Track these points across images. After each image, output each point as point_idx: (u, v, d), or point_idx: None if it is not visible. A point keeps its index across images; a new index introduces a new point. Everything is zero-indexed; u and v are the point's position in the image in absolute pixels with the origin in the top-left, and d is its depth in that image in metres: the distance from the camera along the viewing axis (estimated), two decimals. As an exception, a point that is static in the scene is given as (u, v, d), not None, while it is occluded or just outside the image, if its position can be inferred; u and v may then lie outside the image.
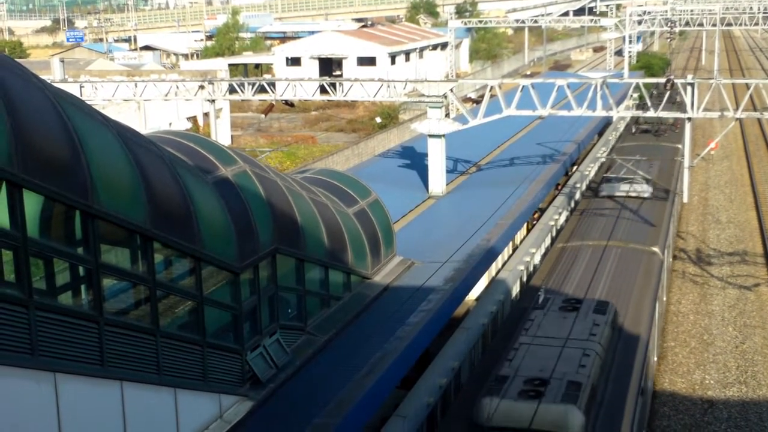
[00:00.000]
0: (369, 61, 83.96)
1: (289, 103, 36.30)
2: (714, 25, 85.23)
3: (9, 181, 8.12)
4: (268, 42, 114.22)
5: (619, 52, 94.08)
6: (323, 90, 34.45)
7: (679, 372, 23.02)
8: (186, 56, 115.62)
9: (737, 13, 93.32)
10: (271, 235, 13.64)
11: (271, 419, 12.49)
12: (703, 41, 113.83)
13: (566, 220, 29.54)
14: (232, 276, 12.57)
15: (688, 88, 29.16)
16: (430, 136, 30.43)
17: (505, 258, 25.87)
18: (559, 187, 34.35)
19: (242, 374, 12.75)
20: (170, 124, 53.64)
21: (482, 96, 38.00)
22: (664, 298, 24.86)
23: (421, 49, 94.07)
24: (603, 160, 38.01)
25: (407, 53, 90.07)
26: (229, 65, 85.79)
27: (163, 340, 10.65)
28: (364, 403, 13.36)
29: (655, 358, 21.90)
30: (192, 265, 11.68)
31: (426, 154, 31.14)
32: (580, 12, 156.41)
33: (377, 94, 33.32)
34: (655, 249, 24.00)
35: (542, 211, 31.51)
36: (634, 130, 44.43)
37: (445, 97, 30.44)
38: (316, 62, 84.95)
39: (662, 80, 31.40)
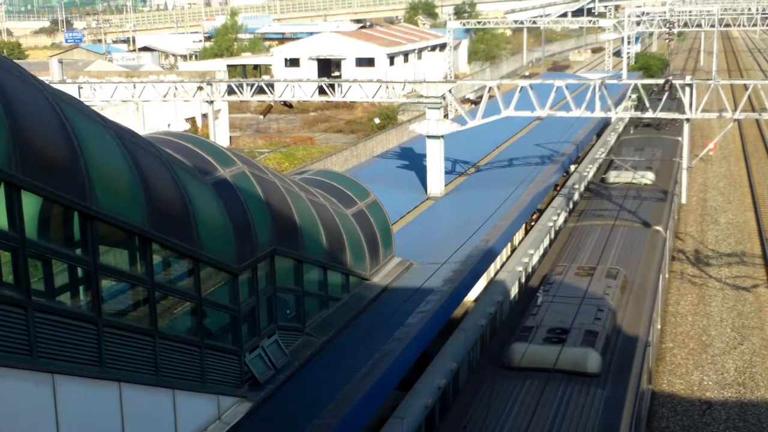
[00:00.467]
0: (367, 62, 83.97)
1: (287, 104, 36.27)
2: (712, 26, 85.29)
3: (7, 183, 8.12)
4: (267, 43, 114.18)
5: (617, 53, 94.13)
6: (322, 91, 34.46)
7: (678, 373, 23.03)
8: (184, 57, 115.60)
9: (735, 14, 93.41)
10: (269, 236, 13.64)
11: (270, 420, 12.49)
12: (701, 42, 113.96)
13: (576, 203, 31.74)
14: (231, 277, 12.57)
15: (687, 89, 29.19)
16: (429, 137, 30.43)
17: (504, 259, 25.87)
18: (558, 188, 34.37)
19: (241, 375, 12.75)
20: (169, 125, 53.64)
21: (481, 97, 38.03)
22: (667, 275, 26.46)
23: (420, 50, 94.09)
24: (601, 160, 38.09)
25: (406, 54, 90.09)
26: (228, 66, 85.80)
27: (161, 342, 10.65)
28: (362, 405, 13.36)
29: (659, 326, 23.71)
30: (190, 266, 11.67)
31: (425, 155, 31.15)
32: (578, 13, 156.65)
33: (376, 95, 33.33)
34: (659, 228, 25.85)
35: (541, 212, 31.52)
36: (636, 124, 45.54)
37: (444, 98, 30.44)
38: (315, 63, 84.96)
39: (661, 81, 31.42)
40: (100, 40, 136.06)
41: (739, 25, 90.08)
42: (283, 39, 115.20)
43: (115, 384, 9.69)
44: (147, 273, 10.53)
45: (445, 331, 18.61)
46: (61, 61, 50.76)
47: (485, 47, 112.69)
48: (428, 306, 17.54)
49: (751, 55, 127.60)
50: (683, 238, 35.32)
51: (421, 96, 31.11)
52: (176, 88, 37.16)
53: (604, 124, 47.90)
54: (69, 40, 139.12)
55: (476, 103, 58.78)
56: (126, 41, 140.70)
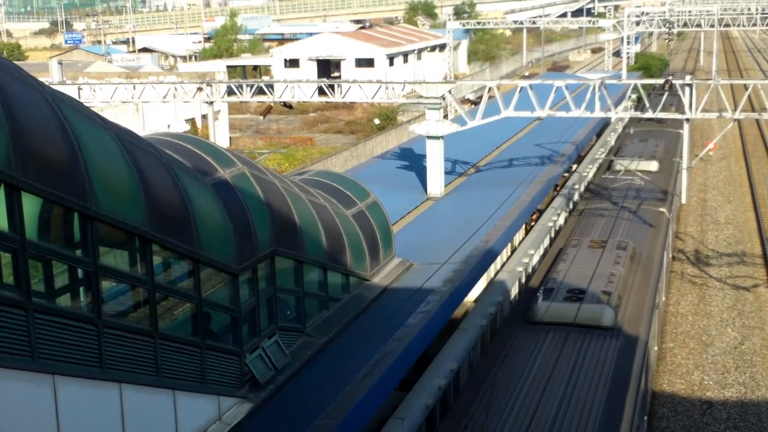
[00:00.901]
0: (367, 63, 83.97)
1: (287, 105, 36.27)
2: (712, 26, 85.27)
3: (7, 184, 8.12)
4: (267, 44, 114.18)
5: (617, 53, 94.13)
6: (321, 92, 34.48)
7: (678, 373, 23.03)
8: (184, 58, 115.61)
9: (735, 14, 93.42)
10: (269, 237, 13.65)
11: (270, 421, 12.49)
12: (701, 42, 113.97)
13: (586, 188, 34.11)
14: (231, 278, 12.57)
15: (687, 89, 29.19)
16: (429, 137, 30.44)
17: (504, 259, 25.87)
18: (558, 189, 34.39)
19: (241, 376, 12.75)
20: (168, 126, 53.63)
21: (481, 97, 38.04)
22: (671, 255, 28.38)
23: (420, 51, 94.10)
24: (601, 160, 38.12)
25: (405, 55, 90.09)
26: (228, 67, 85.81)
27: (161, 342, 10.65)
28: (363, 405, 13.36)
29: (664, 298, 25.87)
30: (191, 267, 11.68)
31: (424, 156, 31.15)
32: (578, 13, 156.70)
33: (375, 96, 33.34)
34: (663, 209, 28.31)
35: (541, 212, 31.53)
36: (640, 118, 46.32)
37: (444, 98, 30.45)
38: (315, 64, 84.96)
39: (661, 81, 31.44)
40: (99, 41, 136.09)
41: (738, 25, 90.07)
42: (282, 40, 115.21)
43: (115, 385, 9.69)
44: (147, 274, 10.53)
45: (446, 331, 18.61)
46: (60, 63, 50.78)
47: (485, 47, 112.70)
48: (428, 306, 17.54)
49: (751, 55, 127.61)
50: (683, 238, 35.32)
51: (421, 96, 31.11)
52: (176, 89, 37.18)
53: (604, 125, 47.90)
54: (69, 41, 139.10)
55: (476, 103, 58.77)
56: (125, 42, 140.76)
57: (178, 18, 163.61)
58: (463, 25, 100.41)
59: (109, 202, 9.58)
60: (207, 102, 35.56)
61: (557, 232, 28.57)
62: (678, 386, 22.28)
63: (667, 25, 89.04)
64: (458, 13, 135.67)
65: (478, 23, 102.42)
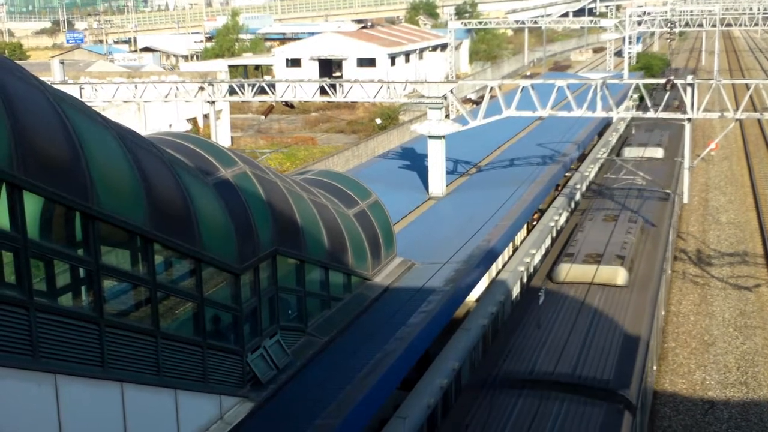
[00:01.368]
0: (369, 63, 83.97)
1: (289, 105, 36.29)
2: (714, 25, 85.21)
3: (9, 183, 8.12)
4: (268, 43, 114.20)
5: (618, 53, 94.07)
6: (323, 91, 34.48)
7: (680, 373, 23.02)
8: (186, 58, 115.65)
9: (737, 13, 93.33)
10: (271, 237, 13.65)
11: (272, 420, 12.49)
12: (702, 42, 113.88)
13: (597, 173, 36.87)
14: (233, 277, 12.57)
15: (688, 89, 29.17)
16: (430, 137, 30.43)
17: (506, 259, 25.86)
18: (560, 188, 34.39)
19: (243, 375, 12.75)
20: (170, 125, 53.65)
21: (482, 97, 38.03)
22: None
23: (421, 50, 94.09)
24: (603, 160, 38.13)
25: (407, 54, 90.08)
26: (229, 66, 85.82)
27: (163, 342, 10.66)
28: (364, 404, 13.36)
29: (670, 272, 28.36)
30: (192, 267, 11.68)
31: (426, 155, 31.14)
32: (579, 13, 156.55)
33: (377, 96, 33.34)
34: (668, 191, 30.56)
35: (542, 212, 31.52)
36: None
37: (445, 98, 30.43)
38: (316, 63, 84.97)
39: (662, 81, 31.40)
40: (101, 41, 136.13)
41: (740, 25, 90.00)
42: (284, 39, 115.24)
43: (117, 384, 9.69)
44: (149, 273, 10.53)
45: (447, 330, 18.60)
46: (62, 62, 50.83)
47: (486, 47, 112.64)
48: (430, 306, 17.53)
49: (753, 55, 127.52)
50: (685, 238, 35.30)
51: (423, 96, 31.09)
52: (177, 89, 37.19)
53: (606, 124, 47.87)
54: (70, 41, 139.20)
55: (477, 103, 58.78)
56: (127, 42, 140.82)
57: (180, 17, 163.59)
58: (465, 24, 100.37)
59: (110, 201, 9.59)
60: (208, 101, 35.57)
61: (573, 210, 30.61)
62: (680, 386, 22.27)
63: (669, 24, 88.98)
64: (460, 12, 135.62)
65: (480, 23, 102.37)
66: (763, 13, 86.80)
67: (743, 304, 27.74)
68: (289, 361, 13.88)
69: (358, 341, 15.65)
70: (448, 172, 31.39)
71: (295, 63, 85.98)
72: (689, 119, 29.86)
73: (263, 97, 35.30)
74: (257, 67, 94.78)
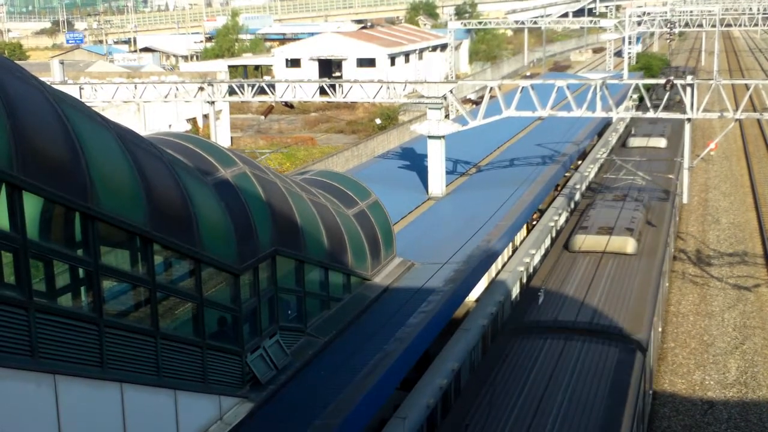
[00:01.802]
0: (368, 63, 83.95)
1: (288, 105, 36.29)
2: (713, 26, 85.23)
3: (9, 183, 8.13)
4: (268, 43, 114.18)
5: (618, 53, 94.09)
6: (323, 91, 34.48)
7: (679, 373, 23.02)
8: (185, 58, 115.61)
9: (737, 14, 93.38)
10: (270, 237, 13.65)
11: (271, 421, 12.49)
12: (702, 42, 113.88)
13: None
14: (232, 277, 12.57)
15: (688, 89, 29.17)
16: (430, 137, 30.43)
17: (505, 259, 25.87)
18: (559, 188, 34.40)
19: (242, 376, 12.75)
20: (170, 125, 53.65)
21: (482, 97, 38.05)
22: (678, 218, 32.58)
23: (421, 51, 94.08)
24: (602, 160, 38.16)
25: (407, 54, 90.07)
26: (229, 67, 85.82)
27: (163, 342, 10.66)
28: (364, 405, 13.36)
29: (673, 249, 30.65)
30: (192, 267, 11.68)
31: (426, 156, 31.14)
32: (579, 13, 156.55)
33: (377, 96, 33.34)
34: (671, 176, 33.00)
35: (542, 212, 31.53)
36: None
37: (445, 98, 30.44)
38: (316, 64, 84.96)
39: (662, 81, 31.39)
40: (101, 41, 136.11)
41: (740, 25, 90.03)
42: (284, 39, 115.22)
43: (116, 385, 9.69)
44: (148, 273, 10.53)
45: (447, 331, 18.60)
46: (62, 62, 50.82)
47: (486, 47, 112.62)
48: (430, 306, 17.53)
49: (752, 55, 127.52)
50: (685, 238, 35.31)
51: (422, 96, 31.10)
52: (177, 89, 37.20)
53: (606, 124, 47.88)
54: (70, 41, 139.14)
55: (477, 103, 58.77)
56: (127, 42, 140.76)
57: (180, 18, 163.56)
58: (465, 25, 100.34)
59: (110, 201, 9.59)
60: (208, 102, 35.57)
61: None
62: (679, 386, 22.27)
63: (669, 25, 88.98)
64: (459, 13, 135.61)
65: (480, 23, 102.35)
66: (763, 14, 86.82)
67: (743, 304, 27.74)
68: (288, 362, 13.88)
69: (357, 341, 15.65)
70: (447, 173, 31.40)
71: (294, 63, 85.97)
72: (689, 119, 29.86)
73: (263, 98, 35.31)
74: (257, 67, 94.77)
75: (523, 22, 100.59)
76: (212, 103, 35.91)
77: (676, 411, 20.93)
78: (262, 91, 34.10)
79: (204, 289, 11.82)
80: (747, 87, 30.08)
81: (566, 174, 36.64)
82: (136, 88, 36.31)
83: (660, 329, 22.81)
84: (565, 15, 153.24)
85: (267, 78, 74.42)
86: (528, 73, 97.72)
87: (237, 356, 12.65)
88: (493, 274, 24.43)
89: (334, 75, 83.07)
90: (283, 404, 12.97)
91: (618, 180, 32.73)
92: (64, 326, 8.94)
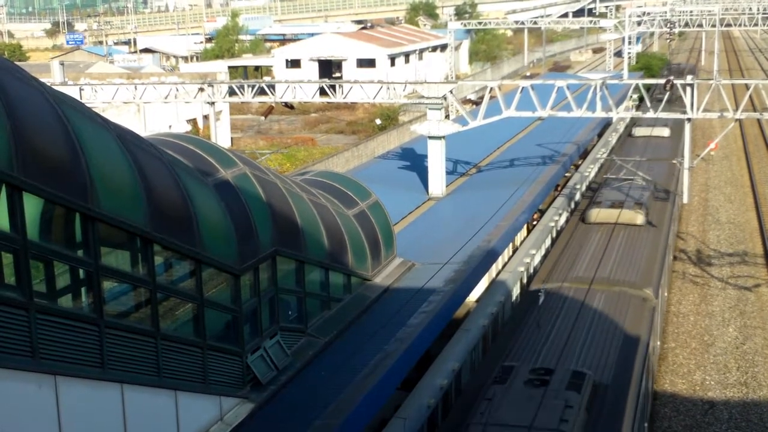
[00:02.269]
0: (368, 63, 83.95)
1: (288, 105, 36.30)
2: (713, 25, 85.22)
3: (9, 184, 8.12)
4: (268, 44, 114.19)
5: (618, 53, 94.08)
6: (323, 92, 34.50)
7: (680, 373, 23.01)
8: (186, 59, 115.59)
9: (736, 13, 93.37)
10: (271, 237, 13.65)
11: (272, 421, 12.49)
12: (702, 42, 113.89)
13: (612, 148, 43.52)
14: (233, 278, 12.57)
15: (688, 89, 29.17)
16: (430, 137, 30.43)
17: (506, 259, 25.87)
18: (559, 189, 34.39)
19: (243, 376, 12.75)
20: (170, 126, 53.64)
21: (482, 97, 38.04)
22: (683, 201, 33.86)
23: (421, 51, 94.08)
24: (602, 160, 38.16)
25: (407, 55, 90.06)
26: (229, 67, 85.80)
27: (163, 343, 10.66)
28: (364, 405, 13.36)
29: (676, 229, 33.20)
30: (192, 268, 11.68)
31: (426, 156, 31.15)
32: (579, 13, 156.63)
33: (377, 96, 33.35)
34: (674, 162, 34.30)
35: (542, 212, 31.52)
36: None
37: (445, 98, 30.44)
38: (316, 64, 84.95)
39: (662, 81, 31.38)
40: (101, 42, 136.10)
41: (740, 25, 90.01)
42: (284, 40, 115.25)
43: (117, 385, 9.70)
44: (149, 274, 10.53)
45: (447, 331, 18.60)
46: (62, 63, 50.84)
47: (486, 48, 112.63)
48: (430, 306, 17.53)
49: (752, 55, 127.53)
50: (685, 238, 35.31)
51: (422, 97, 31.10)
52: (177, 90, 37.21)
53: (606, 124, 47.88)
54: (70, 42, 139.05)
55: (477, 103, 58.78)
56: (127, 43, 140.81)
57: (180, 18, 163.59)
58: (465, 25, 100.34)
59: (110, 202, 9.59)
60: (208, 102, 35.57)
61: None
62: (680, 386, 22.27)
63: (669, 25, 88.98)
64: (459, 13, 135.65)
65: (480, 23, 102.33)
66: (763, 13, 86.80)
67: (743, 304, 27.73)
68: (289, 362, 13.89)
69: (358, 342, 15.65)
70: (447, 173, 31.40)
71: (294, 64, 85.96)
72: (689, 119, 29.87)
73: (263, 98, 35.32)
74: (257, 68, 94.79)
75: (522, 23, 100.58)
76: (212, 103, 35.91)
77: (676, 411, 20.93)
78: (262, 91, 34.11)
79: (204, 289, 11.82)
80: (747, 87, 30.08)
81: (566, 174, 36.64)
82: (136, 89, 36.32)
83: (666, 293, 25.63)
84: (565, 15, 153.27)
85: (267, 79, 74.46)
86: (528, 74, 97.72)
87: (237, 357, 12.66)
88: (494, 275, 24.42)
89: (334, 75, 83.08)
90: (283, 404, 12.97)
91: (618, 179, 32.84)
92: (65, 327, 8.94)
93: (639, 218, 26.15)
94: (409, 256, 20.41)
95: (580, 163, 40.31)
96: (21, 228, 8.28)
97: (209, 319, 11.93)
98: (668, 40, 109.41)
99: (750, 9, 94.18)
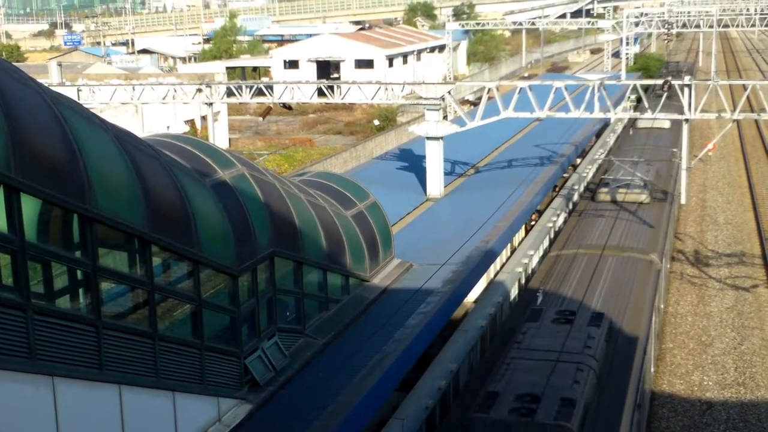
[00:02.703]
0: (366, 64, 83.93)
1: (286, 106, 36.34)
2: (711, 26, 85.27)
3: (6, 185, 8.12)
4: (266, 45, 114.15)
5: (616, 54, 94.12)
6: (321, 93, 34.49)
7: (678, 374, 23.02)
8: (184, 59, 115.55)
9: (734, 14, 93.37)
10: (269, 238, 13.64)
11: (270, 422, 12.48)
12: (700, 43, 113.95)
13: (616, 140, 47.17)
14: (230, 279, 12.56)
15: (686, 90, 29.19)
16: (428, 138, 30.44)
17: (504, 260, 25.87)
18: (558, 189, 34.40)
19: (241, 377, 12.74)
20: (168, 127, 53.62)
21: (480, 98, 38.06)
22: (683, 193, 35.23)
23: (419, 52, 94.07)
24: (601, 161, 38.19)
25: (405, 56, 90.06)
26: (227, 68, 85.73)
27: (161, 344, 10.65)
28: (362, 406, 13.35)
29: (677, 214, 36.23)
30: (190, 268, 11.67)
31: (424, 157, 31.15)
32: (577, 14, 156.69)
33: (375, 97, 33.35)
34: (675, 150, 37.92)
35: (540, 212, 31.53)
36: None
37: (443, 99, 30.44)
38: (314, 65, 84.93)
39: (659, 81, 31.39)
40: (99, 43, 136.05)
41: (737, 26, 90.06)
42: (282, 41, 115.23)
43: (115, 386, 9.68)
44: (146, 275, 10.52)
45: (445, 332, 18.60)
46: (60, 64, 50.73)
47: (484, 48, 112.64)
48: (428, 307, 17.53)
49: (750, 56, 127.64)
50: (683, 239, 35.32)
51: (420, 97, 31.11)
52: (175, 91, 37.18)
53: (603, 125, 47.90)
54: (68, 43, 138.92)
55: (475, 104, 58.76)
56: (125, 44, 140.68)
57: (178, 19, 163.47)
58: (463, 26, 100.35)
59: (108, 203, 9.58)
60: (206, 103, 35.56)
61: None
62: (678, 387, 22.28)
63: (666, 25, 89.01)
64: (457, 14, 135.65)
65: (478, 24, 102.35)
66: (760, 14, 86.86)
67: (741, 304, 27.74)
68: (287, 363, 13.88)
69: (356, 343, 15.65)
70: (446, 174, 31.40)
71: (292, 64, 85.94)
72: (687, 120, 29.89)
73: (261, 99, 35.31)
74: (255, 68, 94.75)
75: (521, 23, 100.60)
76: (210, 104, 35.89)
77: (674, 412, 20.93)
78: (260, 92, 34.10)
79: (202, 290, 11.81)
80: (744, 87, 30.12)
81: (565, 175, 36.65)
82: (134, 89, 36.29)
83: (668, 266, 28.34)
84: (563, 16, 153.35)
85: (265, 79, 74.42)
86: (526, 74, 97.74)
87: (235, 358, 12.65)
88: (492, 275, 24.42)
89: (332, 76, 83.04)
90: (281, 405, 12.96)
91: (617, 179, 32.98)
92: (63, 328, 8.93)
93: (644, 196, 29.57)
94: (407, 256, 20.41)
95: (578, 163, 40.33)
96: (19, 229, 8.27)
97: (207, 320, 11.92)
98: (666, 41, 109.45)
99: (747, 10, 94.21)
